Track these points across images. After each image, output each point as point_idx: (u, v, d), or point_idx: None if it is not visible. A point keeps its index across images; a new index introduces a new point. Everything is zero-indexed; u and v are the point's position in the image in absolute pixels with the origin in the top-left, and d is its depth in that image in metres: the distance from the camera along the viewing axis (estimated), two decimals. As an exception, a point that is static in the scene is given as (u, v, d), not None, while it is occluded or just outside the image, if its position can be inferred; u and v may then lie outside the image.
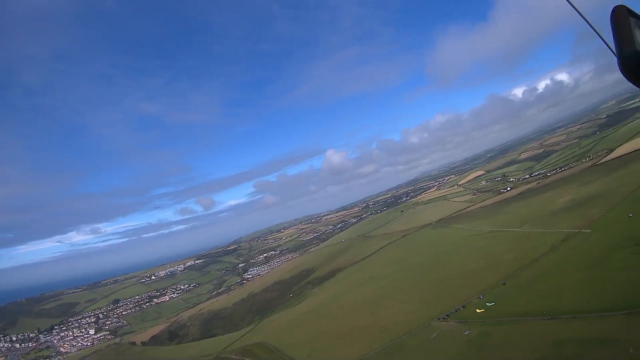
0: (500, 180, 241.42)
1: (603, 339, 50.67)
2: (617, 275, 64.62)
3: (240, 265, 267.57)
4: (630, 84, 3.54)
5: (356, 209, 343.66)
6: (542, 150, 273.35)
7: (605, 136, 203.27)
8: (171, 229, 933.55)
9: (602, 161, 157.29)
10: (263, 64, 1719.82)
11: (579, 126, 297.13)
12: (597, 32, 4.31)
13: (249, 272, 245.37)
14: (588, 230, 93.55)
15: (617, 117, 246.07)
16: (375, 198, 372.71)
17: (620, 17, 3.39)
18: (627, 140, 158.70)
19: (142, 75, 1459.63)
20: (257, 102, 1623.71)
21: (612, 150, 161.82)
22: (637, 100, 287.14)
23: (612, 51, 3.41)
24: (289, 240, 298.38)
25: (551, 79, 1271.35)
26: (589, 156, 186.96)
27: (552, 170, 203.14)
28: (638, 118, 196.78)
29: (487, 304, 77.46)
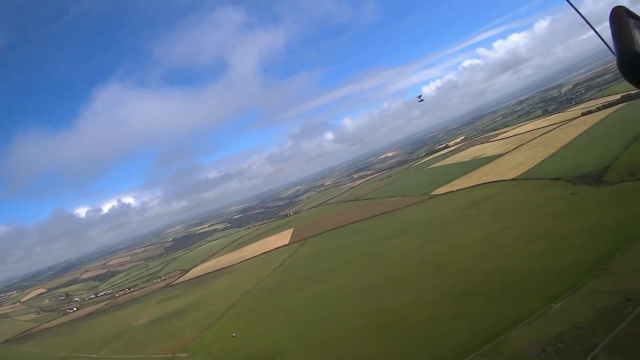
0: (64, 299, 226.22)
1: None
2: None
3: None
4: (630, 84, 3.51)
5: None
6: (106, 270, 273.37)
7: (175, 258, 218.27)
8: None
9: (177, 281, 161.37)
10: None
11: (143, 248, 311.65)
12: (596, 33, 4.29)
13: None
14: (184, 354, 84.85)
15: (185, 241, 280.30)
16: None
17: (619, 18, 3.42)
18: (201, 262, 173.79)
19: None
20: None
21: (187, 271, 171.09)
22: (207, 225, 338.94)
23: (612, 51, 3.38)
24: None
25: (118, 201, 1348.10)
26: (161, 277, 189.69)
27: (120, 291, 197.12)
28: (208, 242, 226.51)
29: None
